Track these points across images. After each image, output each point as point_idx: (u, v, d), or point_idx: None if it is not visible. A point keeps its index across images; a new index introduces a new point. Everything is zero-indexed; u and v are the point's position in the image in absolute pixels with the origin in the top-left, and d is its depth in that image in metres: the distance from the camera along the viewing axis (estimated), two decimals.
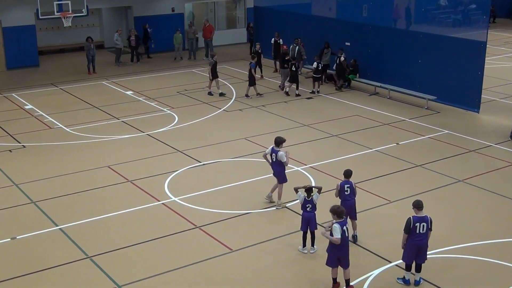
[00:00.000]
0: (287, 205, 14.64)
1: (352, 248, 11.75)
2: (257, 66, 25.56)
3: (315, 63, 24.53)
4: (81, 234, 13.40)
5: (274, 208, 14.57)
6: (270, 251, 12.73)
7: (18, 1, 28.63)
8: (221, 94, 24.13)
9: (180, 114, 21.99)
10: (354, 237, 12.94)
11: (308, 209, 12.57)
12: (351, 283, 11.24)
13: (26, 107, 23.11)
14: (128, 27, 32.97)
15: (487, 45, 21.70)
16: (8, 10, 28.64)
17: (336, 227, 10.85)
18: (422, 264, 11.40)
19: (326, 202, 12.59)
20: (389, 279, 11.65)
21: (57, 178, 16.50)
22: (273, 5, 30.91)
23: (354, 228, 12.95)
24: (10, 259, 12.47)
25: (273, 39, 27.99)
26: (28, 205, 14.87)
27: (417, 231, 11.08)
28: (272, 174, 14.76)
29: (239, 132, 20.05)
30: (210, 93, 24.32)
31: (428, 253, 11.41)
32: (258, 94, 24.09)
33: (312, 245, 12.65)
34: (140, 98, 24.19)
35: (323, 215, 12.97)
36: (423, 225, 11.08)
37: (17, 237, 13.30)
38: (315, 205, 12.61)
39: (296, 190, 12.81)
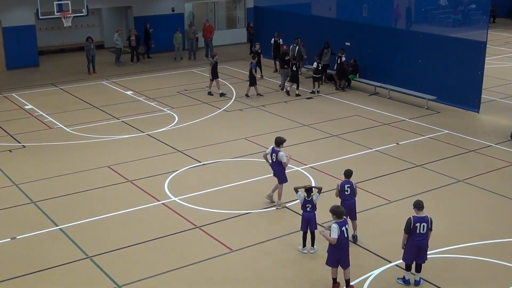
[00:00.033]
0: (287, 205, 14.64)
1: (352, 248, 11.75)
2: (257, 66, 25.56)
3: (315, 63, 24.53)
4: (81, 234, 13.40)
5: (274, 208, 14.57)
6: (270, 251, 12.73)
7: (18, 1, 28.64)
8: (222, 95, 24.13)
9: (180, 114, 21.99)
10: (354, 237, 12.94)
11: (308, 209, 12.57)
12: (351, 283, 11.24)
13: (26, 107, 23.11)
14: (128, 27, 32.97)
15: (487, 45, 21.70)
16: (8, 10, 28.64)
17: (334, 227, 10.85)
18: (422, 264, 11.40)
19: (326, 202, 12.59)
20: (389, 279, 11.65)
21: (57, 178, 16.50)
22: (273, 5, 30.91)
23: (354, 228, 12.95)
24: (10, 259, 12.47)
25: (273, 39, 27.99)
26: (28, 205, 14.87)
27: (418, 231, 11.08)
28: (272, 175, 14.76)
29: (239, 132, 20.05)
30: (210, 93, 24.32)
31: (428, 253, 11.41)
32: (258, 94, 24.09)
33: (312, 245, 12.65)
34: (140, 98, 24.20)
35: (323, 215, 12.97)
36: (424, 225, 11.08)
37: (17, 237, 13.30)
38: (315, 205, 12.61)
39: (296, 190, 12.81)
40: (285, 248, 12.83)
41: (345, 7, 27.32)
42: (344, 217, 11.09)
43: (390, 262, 12.20)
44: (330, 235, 10.85)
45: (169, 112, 22.32)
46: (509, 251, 12.70)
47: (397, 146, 18.74)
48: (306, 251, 12.63)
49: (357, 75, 25.33)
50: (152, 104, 23.37)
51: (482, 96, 22.06)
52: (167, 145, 18.87)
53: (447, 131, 19.97)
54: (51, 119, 21.58)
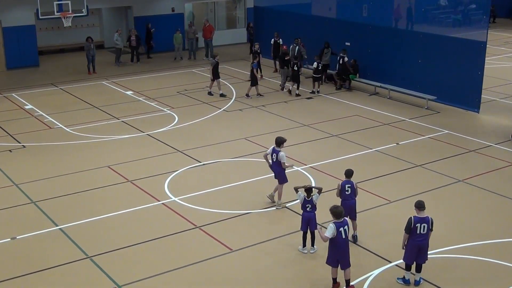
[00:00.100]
0: (287, 205, 14.64)
1: (352, 248, 11.74)
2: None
3: (315, 63, 24.53)
4: (81, 234, 13.40)
5: (274, 208, 14.57)
6: (270, 251, 12.73)
7: (18, 1, 28.64)
8: (222, 95, 24.12)
9: (180, 114, 21.99)
10: (354, 237, 12.94)
11: (308, 209, 12.57)
12: (351, 283, 11.24)
13: (26, 107, 23.11)
14: (128, 27, 32.97)
15: (487, 45, 21.70)
16: (8, 10, 28.64)
17: (331, 226, 10.86)
18: (422, 264, 11.40)
19: (326, 202, 12.58)
20: (389, 279, 11.65)
21: (57, 178, 16.50)
22: (273, 5, 30.92)
23: (354, 228, 12.94)
24: (10, 259, 12.47)
25: (272, 39, 27.99)
26: (28, 205, 14.87)
27: (418, 232, 11.08)
28: (274, 177, 14.73)
29: (239, 132, 20.05)
30: (210, 93, 24.32)
31: (428, 253, 11.41)
32: (258, 94, 24.09)
33: (312, 245, 12.65)
34: (140, 98, 24.20)
35: (323, 215, 12.97)
36: (424, 226, 11.08)
37: (17, 237, 13.30)
38: (315, 205, 12.61)
39: (296, 189, 12.81)
40: (285, 248, 12.82)
41: (345, 7, 27.32)
42: (345, 218, 11.09)
43: (390, 262, 12.20)
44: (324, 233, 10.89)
45: (169, 112, 22.32)
46: (509, 251, 12.70)
47: (397, 146, 18.74)
48: (306, 251, 12.63)
49: (357, 75, 25.33)
50: (152, 104, 23.37)
51: (482, 96, 22.06)
52: (167, 145, 18.87)
53: (447, 131, 19.97)
54: (51, 119, 21.58)
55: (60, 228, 13.67)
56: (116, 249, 12.79)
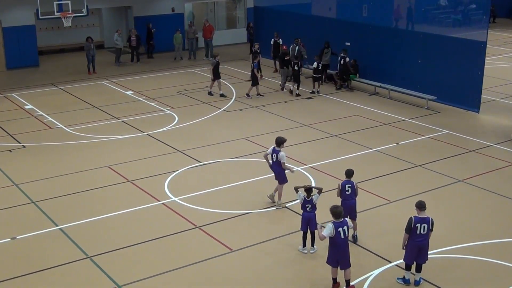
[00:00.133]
0: (287, 205, 14.64)
1: (352, 248, 11.75)
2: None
3: (315, 63, 24.53)
4: (81, 234, 13.40)
5: (274, 208, 14.57)
6: (270, 251, 12.73)
7: (18, 1, 28.63)
8: (222, 95, 24.12)
9: (180, 114, 21.98)
10: (354, 237, 12.94)
11: (308, 209, 12.57)
12: (351, 283, 11.23)
13: (26, 107, 23.11)
14: (128, 27, 32.98)
15: (487, 45, 21.70)
16: (8, 10, 28.64)
17: (329, 226, 10.86)
18: (422, 264, 11.40)
19: (326, 202, 12.57)
20: (389, 279, 11.65)
21: (57, 178, 16.50)
22: (273, 5, 30.92)
23: (354, 228, 12.93)
24: (10, 259, 12.47)
25: (272, 39, 28.00)
26: (28, 205, 14.87)
27: (418, 232, 11.07)
28: (274, 178, 14.72)
29: (239, 132, 20.05)
30: (210, 93, 24.31)
31: (428, 253, 11.41)
32: (258, 94, 24.09)
33: (312, 245, 12.65)
34: (140, 98, 24.20)
35: (323, 215, 12.96)
36: (424, 226, 11.07)
37: (17, 237, 13.30)
38: (315, 205, 12.61)
39: (296, 189, 12.82)
40: (285, 248, 12.82)
41: (345, 7, 27.32)
42: (345, 218, 11.08)
43: (390, 262, 12.20)
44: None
45: (169, 112, 22.32)
46: (509, 251, 12.70)
47: (397, 146, 18.74)
48: (306, 251, 12.63)
49: (357, 75, 25.33)
50: (152, 104, 23.37)
51: (482, 96, 22.06)
52: (167, 145, 18.87)
53: (447, 131, 19.97)
54: (51, 119, 21.58)
55: (60, 228, 13.68)
56: (116, 249, 12.79)
